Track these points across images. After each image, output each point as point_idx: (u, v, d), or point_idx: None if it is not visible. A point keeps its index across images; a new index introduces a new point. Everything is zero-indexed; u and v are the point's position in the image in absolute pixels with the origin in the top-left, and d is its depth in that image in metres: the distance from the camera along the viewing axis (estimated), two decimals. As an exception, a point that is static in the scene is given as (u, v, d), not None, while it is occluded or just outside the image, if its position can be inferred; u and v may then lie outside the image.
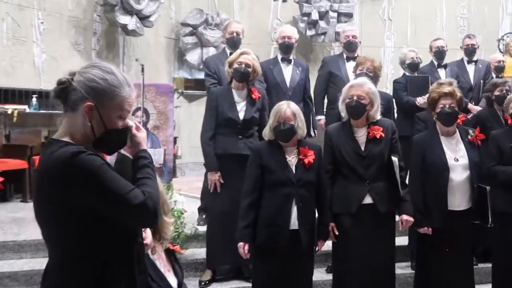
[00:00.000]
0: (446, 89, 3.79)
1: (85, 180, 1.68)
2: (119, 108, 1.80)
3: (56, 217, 1.72)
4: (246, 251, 3.36)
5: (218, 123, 4.18)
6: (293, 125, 3.40)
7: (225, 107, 4.15)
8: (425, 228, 3.70)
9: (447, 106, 3.74)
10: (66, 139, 1.78)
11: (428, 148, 3.77)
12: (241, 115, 4.17)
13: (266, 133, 3.50)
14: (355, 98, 3.50)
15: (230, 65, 4.19)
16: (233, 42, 5.04)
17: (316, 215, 3.52)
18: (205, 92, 5.20)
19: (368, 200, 3.48)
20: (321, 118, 5.44)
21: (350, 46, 5.52)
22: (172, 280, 2.52)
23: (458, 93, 3.81)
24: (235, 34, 5.04)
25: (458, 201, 3.73)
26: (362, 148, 3.53)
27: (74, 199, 1.68)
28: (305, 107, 5.09)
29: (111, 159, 1.96)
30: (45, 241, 1.82)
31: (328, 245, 3.73)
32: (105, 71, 1.79)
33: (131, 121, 1.89)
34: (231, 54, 5.01)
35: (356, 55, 5.51)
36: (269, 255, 3.36)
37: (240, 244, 3.36)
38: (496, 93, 4.71)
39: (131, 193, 1.71)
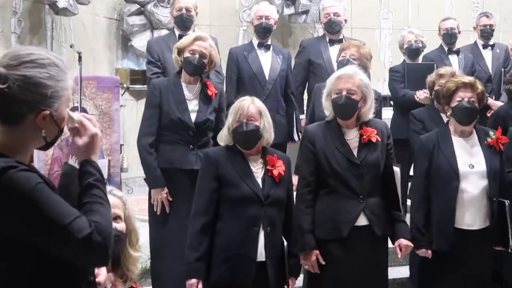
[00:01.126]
0: (466, 79, 3.84)
1: (15, 205, 1.66)
2: (68, 101, 1.86)
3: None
4: None
5: (162, 127, 4.10)
6: (258, 126, 3.38)
7: (171, 106, 4.09)
8: (423, 250, 3.72)
9: (466, 99, 3.78)
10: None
11: (436, 149, 3.80)
12: (193, 117, 4.10)
13: (223, 136, 3.47)
14: (344, 93, 3.51)
15: (180, 52, 4.16)
16: (182, 22, 5.05)
17: (285, 243, 3.49)
18: (147, 87, 5.16)
19: (362, 221, 3.50)
20: (302, 118, 5.46)
21: (332, 26, 5.59)
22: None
23: (480, 86, 3.86)
24: (184, 10, 5.05)
25: (471, 218, 3.78)
26: (355, 154, 3.52)
27: (2, 229, 1.67)
28: (288, 105, 5.14)
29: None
30: None
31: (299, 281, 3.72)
32: (47, 65, 1.79)
33: (75, 115, 1.91)
34: (180, 36, 5.01)
35: (341, 37, 5.55)
36: None
37: (192, 281, 3.32)
38: None
39: (74, 224, 1.69)
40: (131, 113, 9.10)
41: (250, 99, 3.49)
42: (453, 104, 3.83)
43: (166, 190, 4.07)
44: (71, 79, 1.87)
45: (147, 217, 5.34)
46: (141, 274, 4.32)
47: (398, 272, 4.72)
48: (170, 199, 4.07)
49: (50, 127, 1.80)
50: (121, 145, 7.36)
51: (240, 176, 3.37)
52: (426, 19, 9.02)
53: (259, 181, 3.39)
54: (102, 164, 4.89)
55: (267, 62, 5.22)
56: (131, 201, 6.25)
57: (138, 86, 9.08)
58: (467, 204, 3.75)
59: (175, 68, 4.67)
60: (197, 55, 4.08)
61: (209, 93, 4.18)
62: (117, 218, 2.50)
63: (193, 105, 4.14)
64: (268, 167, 3.42)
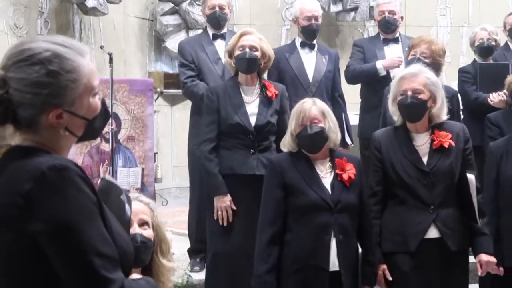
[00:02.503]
0: None
1: (54, 213, 1.59)
2: (89, 89, 1.77)
3: (19, 254, 1.63)
4: None
5: (221, 132, 4.19)
6: (323, 127, 3.43)
7: (230, 110, 4.17)
8: (495, 267, 3.69)
9: None
10: (34, 146, 1.72)
11: (505, 158, 3.79)
12: (253, 120, 4.18)
13: (286, 142, 3.52)
14: (409, 93, 3.51)
15: (230, 54, 4.24)
16: (216, 20, 5.10)
17: (359, 251, 3.52)
18: (181, 92, 5.23)
19: (433, 233, 3.49)
20: None
21: (386, 26, 5.59)
22: None
23: None
24: (217, 8, 5.10)
25: None
26: (425, 162, 3.53)
27: (31, 233, 1.61)
28: (336, 108, 5.13)
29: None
30: None
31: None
32: (45, 60, 1.68)
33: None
34: (214, 36, 5.08)
35: (397, 35, 5.56)
36: None
37: None
38: None
39: (110, 276, 1.60)
40: (165, 119, 9.20)
41: (311, 100, 3.53)
42: None
43: (229, 197, 4.13)
44: (88, 64, 1.76)
45: (182, 230, 5.43)
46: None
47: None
48: (234, 207, 4.13)
49: (73, 123, 1.74)
50: (155, 154, 7.49)
51: (306, 182, 3.39)
52: (489, 15, 8.91)
53: (328, 186, 3.41)
54: (135, 172, 5.01)
55: (311, 62, 5.21)
56: (166, 214, 6.41)
57: (172, 91, 9.14)
58: None
59: (210, 69, 4.74)
60: (247, 49, 4.15)
61: (269, 94, 4.22)
62: (144, 224, 2.55)
63: (252, 108, 4.21)
64: (337, 171, 3.44)
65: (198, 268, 4.79)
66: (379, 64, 5.39)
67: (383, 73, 5.36)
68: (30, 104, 1.68)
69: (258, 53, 4.18)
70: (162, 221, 2.66)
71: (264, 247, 3.39)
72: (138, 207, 2.48)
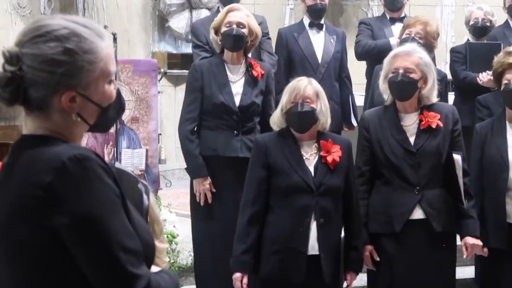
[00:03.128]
0: None
1: (78, 207, 1.52)
2: (105, 74, 1.68)
3: (41, 249, 1.55)
4: (245, 286, 3.34)
5: (204, 112, 4.12)
6: (314, 108, 3.39)
7: (213, 88, 4.11)
8: (480, 248, 3.67)
9: None
10: (47, 134, 1.64)
11: (489, 138, 3.79)
12: (237, 100, 4.11)
13: (276, 119, 3.48)
14: (401, 71, 3.49)
15: (216, 31, 4.17)
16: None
17: (342, 235, 3.51)
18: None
19: (418, 214, 3.48)
20: None
21: (393, 3, 5.55)
22: None
23: None
24: None
25: None
26: (412, 142, 3.51)
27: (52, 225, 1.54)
28: (342, 89, 5.11)
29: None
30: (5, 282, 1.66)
31: (361, 279, 3.70)
32: (62, 38, 1.60)
33: None
34: (228, 16, 5.05)
35: (403, 15, 5.51)
36: None
37: (237, 275, 3.35)
38: None
39: (138, 271, 1.55)
40: (169, 100, 9.18)
41: (307, 79, 3.48)
42: (502, 87, 3.81)
43: (209, 180, 4.07)
44: (106, 48, 1.67)
45: (186, 212, 5.40)
46: (181, 272, 4.38)
47: (462, 272, 4.66)
48: (214, 190, 4.09)
49: (86, 108, 1.65)
50: (158, 135, 7.47)
51: (290, 163, 3.36)
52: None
53: (311, 168, 3.39)
54: (139, 153, 4.97)
55: (319, 43, 5.18)
56: (170, 195, 6.41)
57: (176, 71, 9.14)
58: None
59: (217, 50, 4.70)
60: (234, 26, 4.08)
61: (255, 73, 4.15)
62: None
63: (237, 87, 4.14)
64: (322, 154, 3.41)
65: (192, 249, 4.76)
66: (393, 40, 5.30)
67: (396, 48, 5.29)
68: (43, 83, 1.59)
69: (245, 30, 4.11)
70: (155, 202, 2.63)
71: (244, 226, 3.37)
72: None
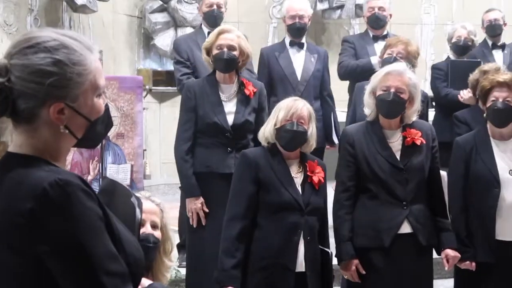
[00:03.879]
0: (502, 77, 3.82)
1: (59, 233, 1.50)
2: (94, 87, 1.66)
3: (24, 275, 1.54)
4: None
5: (198, 130, 4.16)
6: (306, 130, 3.43)
7: (207, 108, 4.14)
8: (467, 262, 3.72)
9: (501, 100, 3.77)
10: (32, 153, 1.62)
11: (474, 154, 3.80)
12: (230, 119, 4.14)
13: (267, 133, 3.49)
14: (392, 90, 3.52)
15: (208, 52, 4.20)
16: (213, 18, 5.10)
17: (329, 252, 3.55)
18: (176, 89, 5.22)
19: (406, 228, 3.51)
20: None
21: (377, 22, 5.60)
22: None
23: None
24: (215, 6, 5.10)
25: (510, 229, 3.74)
26: (398, 158, 3.56)
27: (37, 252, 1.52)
28: (324, 108, 5.13)
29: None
30: None
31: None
32: (52, 49, 1.58)
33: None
34: (209, 33, 5.05)
35: (385, 33, 5.57)
36: None
37: None
38: None
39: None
40: (154, 116, 9.19)
41: (302, 101, 3.56)
42: (488, 104, 3.83)
43: (201, 199, 4.11)
44: (95, 61, 1.64)
45: (173, 227, 5.43)
46: (169, 283, 4.38)
47: (442, 285, 4.71)
48: (206, 210, 4.11)
49: (74, 121, 1.62)
50: (143, 150, 7.47)
51: (280, 181, 3.40)
52: (473, 14, 8.93)
53: (299, 187, 3.43)
54: (124, 169, 4.99)
55: (299, 62, 5.21)
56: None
57: (161, 88, 9.17)
58: (507, 214, 3.72)
59: (205, 66, 4.69)
60: (225, 49, 4.11)
61: (247, 92, 4.19)
62: (155, 226, 2.57)
63: (230, 107, 4.17)
64: (308, 173, 3.45)
65: (185, 263, 4.78)
66: (374, 60, 5.36)
67: (378, 68, 5.35)
68: (31, 94, 1.56)
69: (236, 52, 4.15)
70: (168, 221, 2.66)
71: (233, 241, 3.35)
72: (150, 207, 2.49)
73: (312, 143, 3.50)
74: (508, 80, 3.80)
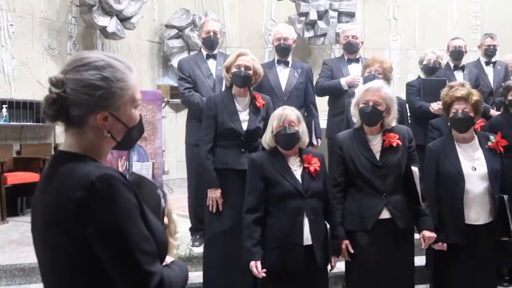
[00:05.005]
0: (459, 93, 3.86)
1: (104, 219, 1.52)
2: (133, 100, 1.69)
3: (74, 253, 1.55)
4: (260, 270, 3.32)
5: (218, 134, 4.18)
6: (297, 130, 3.47)
7: (225, 117, 4.15)
8: (440, 244, 3.74)
9: (460, 111, 3.82)
10: (80, 151, 1.64)
11: (442, 156, 3.83)
12: (244, 126, 4.16)
13: (267, 140, 3.52)
14: (370, 103, 3.55)
15: (228, 70, 4.22)
16: (210, 43, 5.09)
17: (327, 227, 3.52)
18: (180, 101, 5.24)
19: (385, 215, 3.52)
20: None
21: (351, 48, 5.60)
22: None
23: (474, 97, 3.85)
24: (212, 33, 5.08)
25: (476, 214, 3.78)
26: (378, 158, 3.58)
27: (82, 230, 1.54)
28: (307, 114, 5.13)
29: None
30: (47, 276, 1.65)
31: (338, 267, 3.75)
32: (100, 67, 1.62)
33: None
34: (207, 56, 5.09)
35: (358, 56, 5.59)
36: (281, 278, 3.34)
37: (252, 263, 3.33)
38: (510, 97, 4.71)
39: (152, 269, 1.55)
40: (171, 123, 9.21)
41: (290, 108, 3.58)
42: (450, 115, 3.88)
43: (220, 190, 4.13)
44: (134, 79, 1.68)
45: (185, 213, 5.44)
46: (183, 259, 4.39)
47: (419, 260, 4.70)
48: (222, 200, 4.11)
49: (115, 127, 1.65)
50: (162, 151, 7.49)
51: (281, 175, 3.42)
52: (431, 41, 8.99)
53: (299, 177, 3.44)
54: (147, 166, 5.00)
55: (284, 76, 5.21)
56: (173, 199, 6.37)
57: (177, 100, 9.10)
58: (471, 203, 3.76)
59: (203, 82, 4.74)
60: (242, 69, 4.15)
61: (258, 104, 4.23)
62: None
63: (244, 116, 4.19)
64: (305, 165, 3.47)
65: (198, 243, 4.79)
66: (343, 81, 5.43)
67: (345, 88, 5.41)
68: (83, 104, 1.59)
69: (251, 72, 4.17)
70: (171, 206, 2.66)
71: (250, 227, 3.39)
72: None
73: (305, 139, 3.53)
74: (465, 94, 3.85)
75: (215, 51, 5.15)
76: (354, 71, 5.51)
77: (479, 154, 3.86)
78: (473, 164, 3.81)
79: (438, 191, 3.83)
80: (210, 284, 4.24)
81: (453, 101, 3.86)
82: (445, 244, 3.75)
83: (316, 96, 5.45)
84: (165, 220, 2.55)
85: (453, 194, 3.77)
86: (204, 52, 5.11)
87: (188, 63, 5.05)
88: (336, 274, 4.15)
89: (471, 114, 3.83)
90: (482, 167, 3.81)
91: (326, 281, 3.56)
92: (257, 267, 3.33)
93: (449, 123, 3.92)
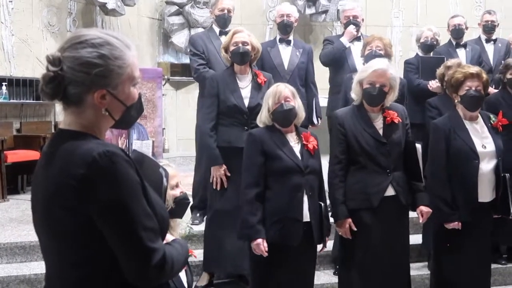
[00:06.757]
0: (473, 69, 3.81)
1: (106, 195, 1.51)
2: (131, 78, 1.65)
3: (76, 229, 1.55)
4: (265, 248, 3.30)
5: (220, 112, 4.14)
6: (294, 106, 3.43)
7: (227, 94, 4.12)
8: (456, 223, 3.69)
9: (473, 88, 3.75)
10: (79, 129, 1.62)
11: (453, 133, 3.77)
12: (246, 103, 4.13)
13: (263, 118, 3.48)
14: (377, 85, 3.51)
15: (226, 49, 4.18)
16: (224, 20, 5.05)
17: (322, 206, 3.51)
18: (193, 77, 5.20)
19: (390, 191, 3.51)
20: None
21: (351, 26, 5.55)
22: (184, 278, 2.56)
23: (485, 75, 3.81)
24: (226, 11, 5.04)
25: (484, 192, 3.74)
26: (381, 134, 3.55)
27: (86, 206, 1.53)
28: (308, 93, 5.11)
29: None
30: (48, 254, 1.65)
31: (329, 246, 3.75)
32: (98, 45, 1.59)
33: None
34: (220, 32, 5.04)
35: (359, 35, 5.53)
36: (281, 253, 3.34)
37: (258, 241, 3.30)
38: (509, 76, 4.63)
39: (155, 245, 1.54)
40: (171, 101, 9.17)
41: (283, 84, 3.54)
42: (462, 92, 3.77)
43: (224, 167, 4.11)
44: (132, 57, 1.65)
45: (186, 191, 5.43)
46: (184, 237, 4.39)
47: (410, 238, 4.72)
48: (228, 174, 4.11)
49: (113, 105, 1.62)
50: (163, 129, 7.46)
51: (281, 149, 3.39)
52: (433, 17, 8.90)
53: (298, 154, 3.42)
54: (147, 144, 4.96)
55: (287, 55, 5.17)
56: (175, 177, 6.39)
57: (177, 78, 9.15)
58: (481, 180, 3.72)
59: (217, 59, 4.66)
60: (240, 45, 4.11)
61: (259, 81, 4.19)
62: (178, 185, 2.57)
63: (246, 92, 4.16)
64: (304, 142, 3.45)
65: (197, 221, 4.79)
66: (343, 39, 5.38)
67: (347, 45, 5.35)
68: (80, 82, 1.57)
69: (249, 47, 4.13)
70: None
71: (251, 203, 3.35)
72: (171, 172, 2.43)
73: (302, 114, 3.49)
74: (478, 71, 3.80)
75: (228, 28, 5.10)
76: (356, 49, 5.44)
77: (486, 132, 3.83)
78: (483, 142, 3.77)
79: (448, 169, 3.77)
80: (211, 261, 4.25)
81: (467, 78, 3.77)
82: (459, 223, 3.69)
83: (318, 74, 5.41)
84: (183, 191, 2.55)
85: (466, 172, 3.71)
86: (217, 29, 5.07)
87: (201, 39, 4.99)
88: (328, 253, 4.16)
89: (483, 92, 3.79)
90: (490, 145, 3.78)
91: (315, 259, 3.56)
92: (263, 245, 3.29)
93: (456, 101, 3.85)
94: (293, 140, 3.47)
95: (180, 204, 2.55)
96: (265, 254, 3.29)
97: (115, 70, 1.60)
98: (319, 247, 3.53)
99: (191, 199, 4.92)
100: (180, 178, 2.62)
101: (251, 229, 3.32)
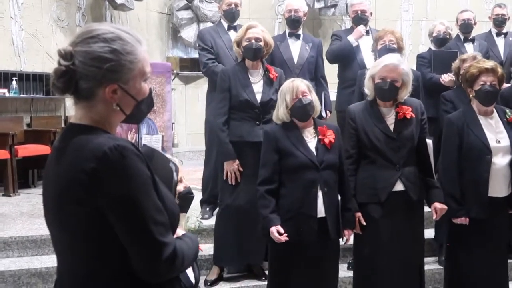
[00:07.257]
0: (488, 64, 3.78)
1: (117, 189, 1.51)
2: (142, 73, 1.65)
3: (87, 223, 1.55)
4: (282, 233, 3.27)
5: (232, 107, 4.14)
6: (312, 99, 3.42)
7: (239, 89, 4.11)
8: (463, 218, 3.68)
9: (488, 83, 3.72)
10: (90, 124, 1.62)
11: (466, 128, 3.74)
12: (258, 97, 4.12)
13: (280, 115, 3.46)
14: (389, 80, 3.50)
15: (238, 44, 4.17)
16: (232, 15, 5.04)
17: (339, 201, 3.51)
18: (202, 72, 5.20)
19: (399, 187, 3.49)
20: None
21: (359, 22, 5.51)
22: (190, 274, 2.56)
23: (500, 69, 3.78)
24: (233, 5, 5.04)
25: (499, 187, 3.71)
26: (391, 129, 3.54)
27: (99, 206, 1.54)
28: (318, 87, 5.09)
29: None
30: (59, 248, 1.66)
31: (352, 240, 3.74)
32: (109, 40, 1.59)
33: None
34: (229, 27, 5.04)
35: (367, 29, 5.51)
36: (293, 249, 3.34)
37: (272, 229, 3.29)
38: None
39: (165, 240, 1.55)
40: (181, 96, 9.18)
41: (298, 79, 3.53)
42: (477, 87, 3.74)
43: (237, 162, 4.10)
44: (143, 52, 1.64)
45: (195, 185, 5.43)
46: (193, 232, 4.40)
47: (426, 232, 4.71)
48: (241, 169, 4.10)
49: (124, 100, 1.62)
50: (172, 124, 7.48)
51: (296, 146, 3.38)
52: (443, 11, 8.85)
53: (313, 149, 3.40)
54: (156, 139, 4.98)
55: (296, 49, 5.15)
56: (183, 172, 6.39)
57: (186, 72, 9.16)
58: (495, 175, 3.69)
59: (226, 53, 4.66)
60: (253, 41, 4.09)
61: (271, 76, 4.19)
62: (181, 180, 2.57)
63: (257, 88, 4.15)
64: (320, 137, 3.43)
65: (207, 216, 4.79)
66: (350, 38, 5.36)
67: (354, 43, 5.34)
68: (91, 76, 1.56)
69: (261, 43, 4.12)
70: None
71: (265, 197, 3.36)
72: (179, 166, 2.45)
73: (318, 107, 3.49)
74: (493, 66, 3.77)
75: (236, 23, 5.10)
76: (364, 45, 5.42)
77: (501, 127, 3.79)
78: (497, 137, 3.74)
79: (460, 164, 3.75)
80: (221, 256, 4.25)
81: (482, 72, 3.73)
82: (467, 219, 3.68)
83: (326, 69, 5.39)
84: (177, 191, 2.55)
85: (478, 167, 3.69)
86: (225, 24, 5.06)
87: (209, 34, 4.99)
88: (345, 247, 4.14)
89: (498, 87, 3.76)
90: (505, 139, 3.74)
91: (338, 254, 3.55)
92: (278, 231, 3.28)
93: (471, 96, 3.82)
94: (309, 135, 3.45)
95: (185, 199, 2.56)
96: (283, 239, 3.26)
97: (126, 65, 1.60)
98: (342, 242, 3.52)
99: (200, 194, 4.99)
100: (183, 172, 2.62)
101: (265, 220, 3.33)
